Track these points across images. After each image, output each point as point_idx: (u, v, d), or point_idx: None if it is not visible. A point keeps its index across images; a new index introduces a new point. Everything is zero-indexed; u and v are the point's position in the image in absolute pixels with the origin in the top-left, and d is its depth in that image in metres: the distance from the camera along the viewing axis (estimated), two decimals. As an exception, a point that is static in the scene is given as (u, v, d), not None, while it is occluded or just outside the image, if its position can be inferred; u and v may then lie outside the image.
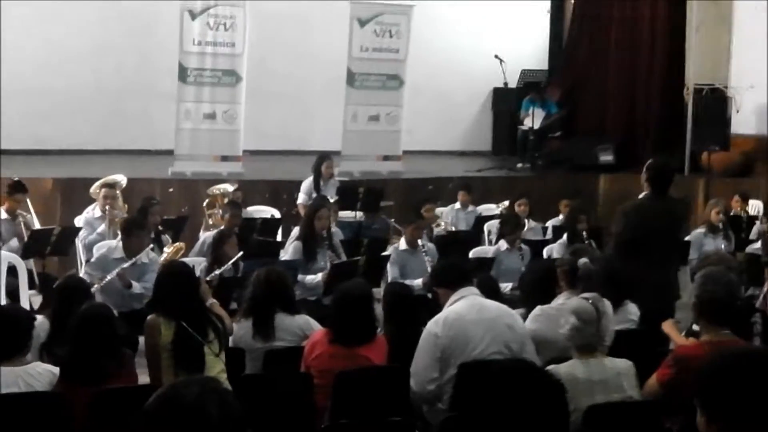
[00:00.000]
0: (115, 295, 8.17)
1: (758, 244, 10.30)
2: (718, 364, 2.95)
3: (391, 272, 9.40)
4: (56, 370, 5.41)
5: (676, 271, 8.37)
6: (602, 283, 6.27)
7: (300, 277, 8.88)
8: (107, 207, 10.41)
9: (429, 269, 8.57)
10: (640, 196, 7.96)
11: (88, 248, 9.94)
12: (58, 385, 5.34)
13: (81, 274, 8.97)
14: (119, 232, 9.16)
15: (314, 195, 12.06)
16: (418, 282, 9.10)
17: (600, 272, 6.52)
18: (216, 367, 5.76)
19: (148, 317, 5.98)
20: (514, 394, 3.12)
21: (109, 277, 8.16)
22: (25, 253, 9.56)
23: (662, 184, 7.79)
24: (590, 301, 5.31)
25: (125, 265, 8.37)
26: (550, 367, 5.04)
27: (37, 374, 5.34)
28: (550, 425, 3.14)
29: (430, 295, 7.25)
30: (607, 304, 5.45)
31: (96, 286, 7.81)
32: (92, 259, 8.83)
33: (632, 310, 6.82)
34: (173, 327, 5.79)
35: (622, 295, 6.70)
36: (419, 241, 9.64)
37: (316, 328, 6.51)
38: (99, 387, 5.25)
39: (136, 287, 8.36)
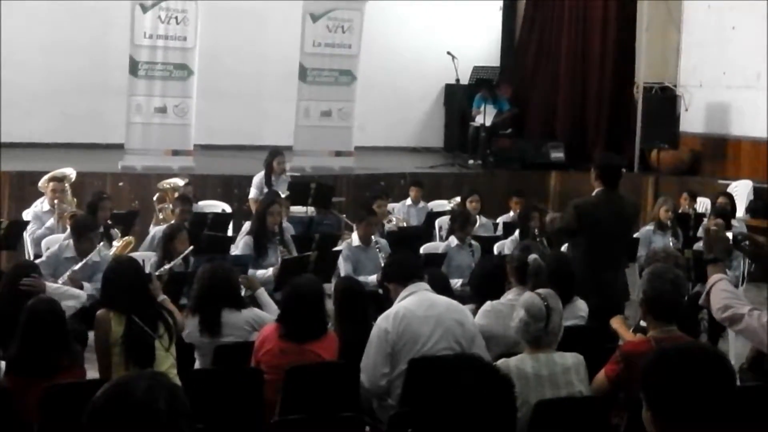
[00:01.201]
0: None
1: (704, 242, 10.40)
2: (662, 359, 2.99)
3: (344, 268, 9.38)
4: (2, 364, 5.36)
5: (625, 268, 8.44)
6: (551, 280, 6.32)
7: (251, 272, 8.85)
8: (56, 201, 10.32)
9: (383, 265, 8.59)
10: (593, 194, 8.01)
11: (36, 243, 9.83)
12: (4, 380, 5.29)
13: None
14: (68, 228, 9.08)
15: (266, 190, 12.03)
16: (372, 278, 9.08)
17: (549, 269, 6.56)
18: (166, 362, 5.74)
19: (99, 312, 5.94)
20: (462, 389, 3.13)
21: (60, 281, 8.06)
22: (-27, 246, 9.47)
23: (612, 179, 7.87)
24: (541, 296, 5.35)
25: (76, 267, 8.30)
26: (500, 362, 5.07)
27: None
28: (498, 420, 3.17)
29: (381, 291, 7.25)
30: (555, 299, 5.49)
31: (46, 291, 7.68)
32: (43, 258, 8.73)
33: (581, 306, 6.87)
34: (124, 321, 5.77)
35: (571, 291, 6.75)
36: (372, 237, 9.66)
37: (266, 319, 6.54)
38: (48, 381, 5.21)
39: (88, 288, 8.28)
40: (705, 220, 11.58)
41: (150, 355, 5.71)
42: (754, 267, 10.30)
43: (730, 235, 4.99)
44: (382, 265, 8.49)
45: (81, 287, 8.25)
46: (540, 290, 5.50)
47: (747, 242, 4.96)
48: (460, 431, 3.12)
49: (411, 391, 5.55)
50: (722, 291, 4.65)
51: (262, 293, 7.38)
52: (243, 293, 7.29)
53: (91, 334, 6.33)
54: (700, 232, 11.40)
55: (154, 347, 5.73)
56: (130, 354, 5.72)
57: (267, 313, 6.90)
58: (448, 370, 3.24)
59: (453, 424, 3.11)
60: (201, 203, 11.84)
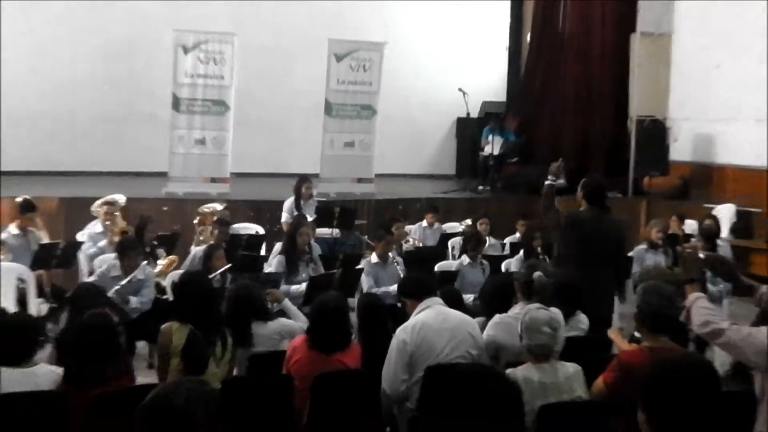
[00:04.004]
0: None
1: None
2: (658, 368, 2.99)
3: (367, 282, 9.38)
4: (60, 370, 5.36)
5: (613, 282, 8.31)
6: (558, 295, 6.32)
7: (285, 287, 8.88)
8: (108, 223, 10.41)
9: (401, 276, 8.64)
10: (582, 208, 8.02)
11: (90, 259, 9.92)
12: (62, 386, 5.29)
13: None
14: (115, 251, 9.15)
15: (295, 213, 12.06)
16: (393, 288, 9.03)
17: (553, 285, 6.56)
18: (212, 379, 5.73)
19: (163, 325, 6.00)
20: (475, 394, 3.14)
21: (109, 295, 8.13)
22: (34, 265, 9.51)
23: (597, 198, 7.88)
24: (546, 312, 5.35)
25: (123, 282, 8.38)
26: (508, 371, 5.07)
27: (42, 375, 5.29)
28: (507, 423, 3.17)
29: (399, 305, 7.26)
30: (558, 314, 5.50)
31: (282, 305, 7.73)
32: (94, 276, 8.82)
33: (583, 319, 6.83)
34: (185, 335, 5.83)
35: (575, 306, 6.74)
36: (390, 254, 9.67)
37: (294, 327, 6.61)
38: (99, 389, 5.19)
39: (133, 302, 8.37)
40: (693, 239, 11.54)
41: (203, 367, 5.77)
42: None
43: (702, 255, 5.00)
44: (401, 276, 8.57)
45: (127, 302, 8.31)
46: (545, 308, 5.51)
47: (718, 262, 4.97)
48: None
49: (428, 396, 5.53)
50: (702, 308, 4.66)
51: (287, 303, 7.40)
52: (272, 306, 7.30)
53: (138, 344, 6.37)
54: (687, 252, 11.36)
55: (208, 360, 5.79)
56: (187, 364, 5.77)
57: (295, 321, 6.92)
58: (461, 377, 3.24)
59: (466, 427, 3.12)
60: (236, 225, 11.86)
